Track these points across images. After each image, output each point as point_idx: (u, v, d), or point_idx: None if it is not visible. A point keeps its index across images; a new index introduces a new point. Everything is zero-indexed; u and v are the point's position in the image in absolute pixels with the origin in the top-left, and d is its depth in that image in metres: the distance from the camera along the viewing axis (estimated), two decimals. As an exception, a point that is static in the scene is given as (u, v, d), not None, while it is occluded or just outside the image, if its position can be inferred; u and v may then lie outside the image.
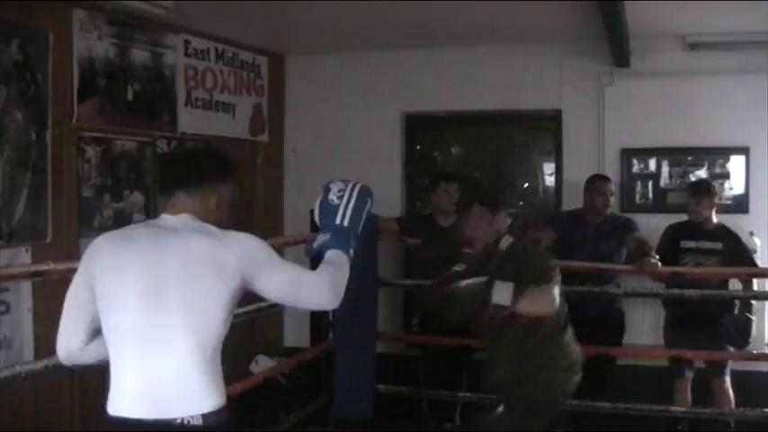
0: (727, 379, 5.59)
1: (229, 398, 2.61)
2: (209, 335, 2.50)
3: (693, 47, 6.32)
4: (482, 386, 4.65)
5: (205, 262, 2.49)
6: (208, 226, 2.61)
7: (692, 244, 5.62)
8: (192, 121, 6.22)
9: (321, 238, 2.74)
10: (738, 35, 6.12)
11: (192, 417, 2.45)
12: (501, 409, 4.02)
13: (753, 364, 5.90)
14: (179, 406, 2.45)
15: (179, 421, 2.43)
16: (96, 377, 5.14)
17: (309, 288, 2.59)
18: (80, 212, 5.30)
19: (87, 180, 5.37)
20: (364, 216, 2.79)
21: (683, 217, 5.73)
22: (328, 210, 2.76)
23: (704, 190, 5.71)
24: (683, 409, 5.57)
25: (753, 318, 5.64)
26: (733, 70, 6.26)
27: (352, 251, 2.76)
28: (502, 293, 3.68)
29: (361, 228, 2.79)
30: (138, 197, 5.76)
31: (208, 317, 2.50)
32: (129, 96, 5.67)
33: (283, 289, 2.59)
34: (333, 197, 2.79)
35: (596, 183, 5.96)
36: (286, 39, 6.78)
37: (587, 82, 6.61)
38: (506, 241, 3.98)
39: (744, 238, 5.72)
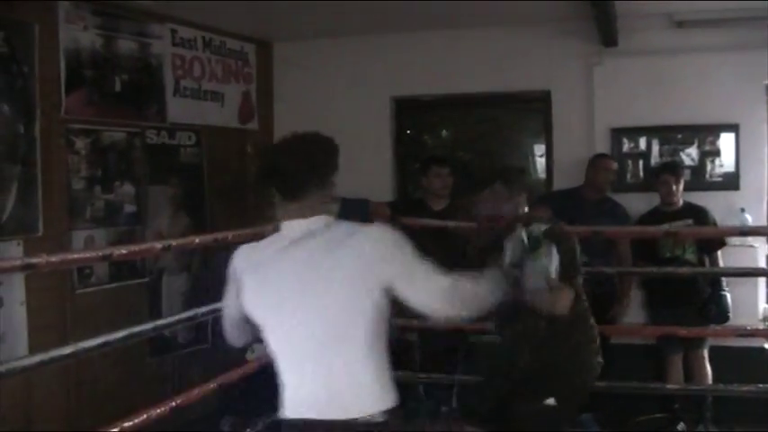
0: (706, 354, 5.68)
1: (224, 386, 2.64)
2: (372, 332, 2.53)
3: (680, 24, 6.31)
4: (479, 369, 4.69)
5: (356, 263, 2.51)
6: (346, 224, 2.63)
7: (665, 228, 5.69)
8: (180, 111, 6.20)
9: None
10: (725, 12, 6.11)
11: (372, 415, 2.52)
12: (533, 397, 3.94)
13: (739, 339, 5.94)
14: (358, 406, 2.51)
15: (360, 420, 2.50)
16: (91, 369, 5.18)
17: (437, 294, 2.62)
18: (71, 205, 5.30)
19: (77, 172, 5.36)
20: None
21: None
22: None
23: (678, 171, 5.85)
24: (678, 386, 5.62)
25: (727, 293, 5.73)
26: (721, 47, 6.24)
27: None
28: (538, 279, 3.43)
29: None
30: (128, 188, 5.75)
31: (367, 315, 2.51)
32: (117, 87, 5.66)
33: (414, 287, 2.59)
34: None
35: (601, 159, 6.10)
36: (273, 25, 6.76)
37: (575, 62, 6.60)
38: (537, 229, 3.65)
39: (710, 212, 5.91)
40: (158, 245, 4.40)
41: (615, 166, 6.18)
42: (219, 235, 4.67)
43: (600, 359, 3.94)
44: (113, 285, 5.59)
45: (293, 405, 2.60)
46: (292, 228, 2.63)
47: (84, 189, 5.41)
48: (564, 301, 3.58)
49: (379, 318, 2.54)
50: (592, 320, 3.95)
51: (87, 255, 4.43)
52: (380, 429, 2.52)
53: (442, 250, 5.75)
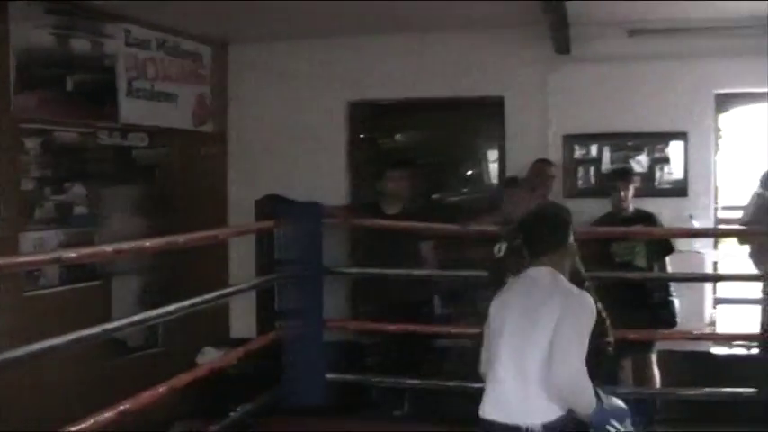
0: (655, 358, 5.77)
1: (175, 389, 2.62)
2: (540, 360, 3.13)
3: (632, 33, 6.40)
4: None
5: (552, 310, 3.17)
6: (564, 282, 3.33)
7: (622, 229, 5.78)
8: (134, 112, 6.14)
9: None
10: (676, 21, 6.21)
11: (535, 425, 3.10)
12: None
13: (686, 344, 6.05)
14: (531, 414, 3.11)
15: (525, 428, 3.10)
16: (41, 373, 5.10)
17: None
18: (20, 206, 5.22)
19: (27, 173, 5.29)
20: None
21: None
22: None
23: (629, 178, 5.94)
24: (629, 389, 5.68)
25: (675, 299, 5.83)
26: (671, 56, 6.34)
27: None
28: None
29: None
30: (80, 189, 5.69)
31: (544, 349, 3.13)
32: (69, 87, 5.59)
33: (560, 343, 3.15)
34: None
35: (537, 164, 6.21)
36: (229, 27, 6.73)
37: (530, 69, 6.66)
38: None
39: (658, 218, 5.97)
40: (109, 248, 4.37)
41: (553, 171, 6.24)
42: (171, 238, 4.66)
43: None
44: (64, 288, 5.52)
45: (484, 405, 3.24)
46: (531, 272, 3.37)
47: (35, 190, 5.34)
48: None
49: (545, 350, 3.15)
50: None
51: (37, 258, 4.38)
52: None
53: (395, 252, 5.83)
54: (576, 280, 3.97)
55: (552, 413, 3.13)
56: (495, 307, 3.39)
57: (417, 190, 6.56)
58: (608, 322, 4.12)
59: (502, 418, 3.17)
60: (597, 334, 3.77)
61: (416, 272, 5.66)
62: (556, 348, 3.11)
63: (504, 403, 3.19)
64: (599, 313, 4.10)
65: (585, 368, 3.13)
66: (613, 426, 3.17)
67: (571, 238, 3.48)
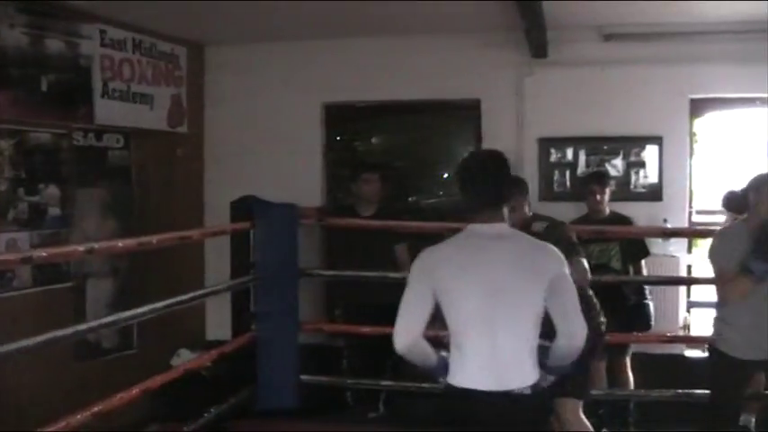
0: (629, 361, 5.79)
1: (149, 391, 2.59)
2: (531, 317, 3.06)
3: (609, 38, 6.43)
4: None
5: (532, 263, 3.08)
6: (525, 236, 3.23)
7: (597, 228, 5.81)
8: (109, 113, 6.10)
9: None
10: (652, 26, 6.26)
11: (524, 388, 3.03)
12: None
13: (660, 346, 6.09)
14: (518, 378, 3.03)
15: (516, 392, 3.01)
16: (14, 375, 5.06)
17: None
18: (-7, 207, 5.19)
19: (0, 173, 5.25)
20: None
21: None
22: None
23: (605, 181, 5.97)
24: (603, 391, 5.71)
25: (650, 302, 5.87)
26: (647, 61, 6.38)
27: None
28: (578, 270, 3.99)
29: None
30: (53, 190, 5.65)
31: (530, 302, 3.05)
32: (44, 87, 5.54)
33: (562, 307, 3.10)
34: None
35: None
36: (205, 29, 6.71)
37: (506, 72, 6.68)
38: (540, 224, 4.38)
39: (634, 221, 6.03)
40: (80, 248, 4.34)
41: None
42: (144, 239, 4.63)
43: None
44: (37, 289, 5.48)
45: (459, 374, 3.10)
46: (488, 228, 3.13)
47: (8, 191, 5.30)
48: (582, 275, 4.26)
49: (539, 312, 3.07)
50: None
51: (7, 257, 4.34)
52: (530, 401, 3.04)
53: (370, 254, 5.84)
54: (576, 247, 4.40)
55: (535, 374, 3.08)
56: (448, 269, 3.11)
57: (391, 192, 6.57)
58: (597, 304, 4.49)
59: (487, 386, 3.04)
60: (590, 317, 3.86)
61: (392, 274, 5.66)
62: (568, 308, 3.07)
63: (489, 369, 3.05)
64: (588, 292, 4.29)
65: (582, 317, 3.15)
66: None
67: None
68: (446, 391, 3.16)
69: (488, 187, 3.15)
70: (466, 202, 3.20)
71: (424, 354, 3.17)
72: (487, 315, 3.04)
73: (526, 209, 4.44)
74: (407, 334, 3.12)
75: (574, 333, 3.07)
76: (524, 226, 4.13)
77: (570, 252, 4.06)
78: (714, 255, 4.23)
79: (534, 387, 3.05)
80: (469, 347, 3.09)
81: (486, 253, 3.09)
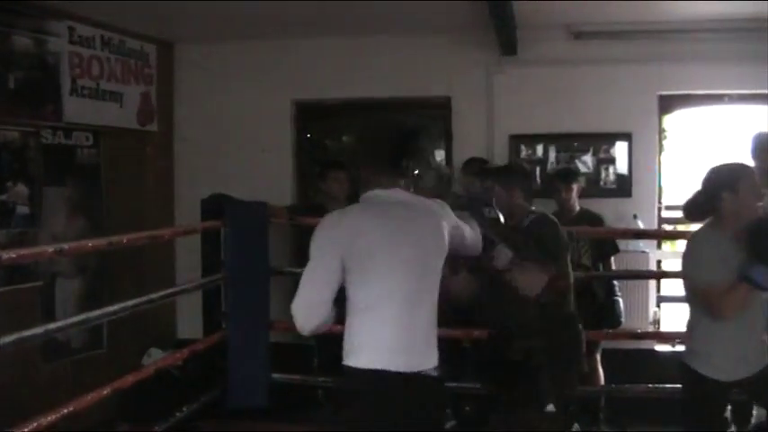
0: (599, 357, 5.83)
1: (119, 390, 2.57)
2: (435, 292, 2.97)
3: (578, 36, 6.47)
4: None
5: (434, 232, 2.96)
6: (418, 197, 3.04)
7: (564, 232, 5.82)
8: (78, 110, 6.05)
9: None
10: (622, 24, 6.30)
11: (430, 369, 2.90)
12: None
13: (630, 342, 6.14)
14: (427, 359, 2.90)
15: (423, 373, 2.87)
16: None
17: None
18: (-40, 205, 5.13)
19: (-33, 172, 5.20)
20: None
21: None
22: None
23: (573, 177, 5.99)
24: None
25: (620, 299, 5.91)
26: (616, 59, 6.43)
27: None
28: (500, 256, 3.67)
29: None
30: (21, 188, 5.59)
31: (436, 279, 2.96)
32: (11, 84, 5.49)
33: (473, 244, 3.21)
34: None
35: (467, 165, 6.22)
36: (175, 27, 6.67)
37: (476, 70, 6.70)
38: (528, 218, 4.21)
39: (604, 218, 6.03)
40: (50, 248, 4.30)
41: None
42: (114, 238, 4.60)
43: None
44: (4, 289, 5.43)
45: (365, 354, 2.87)
46: (389, 195, 2.98)
47: (-25, 189, 5.25)
48: (531, 281, 3.77)
49: (438, 280, 2.98)
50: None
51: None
52: (437, 384, 2.95)
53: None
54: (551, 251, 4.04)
55: (436, 355, 2.95)
56: (365, 240, 2.89)
57: (359, 190, 6.56)
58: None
59: (400, 367, 2.83)
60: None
61: None
62: (465, 240, 3.16)
63: (403, 349, 2.85)
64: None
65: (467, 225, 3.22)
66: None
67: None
68: (347, 373, 2.91)
69: (385, 153, 3.05)
70: (365, 168, 3.10)
71: (328, 321, 2.96)
72: (407, 291, 2.87)
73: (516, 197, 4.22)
74: (314, 313, 2.91)
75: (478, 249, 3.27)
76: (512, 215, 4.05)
77: (549, 255, 3.97)
78: (694, 267, 3.71)
79: (437, 369, 2.93)
80: (383, 325, 2.87)
81: (408, 224, 2.93)
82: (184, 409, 5.28)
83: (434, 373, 2.90)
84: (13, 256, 3.91)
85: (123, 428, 5.62)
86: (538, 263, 3.79)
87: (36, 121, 5.74)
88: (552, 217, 4.43)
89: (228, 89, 7.04)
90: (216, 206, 5.74)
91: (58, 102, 5.89)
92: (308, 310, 2.89)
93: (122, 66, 6.56)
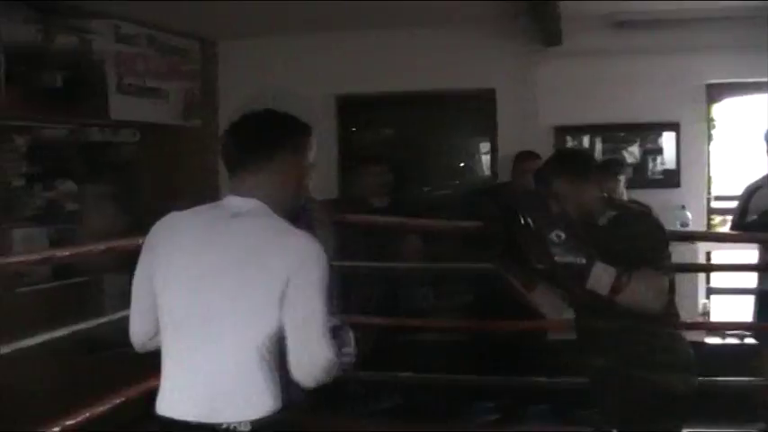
0: None
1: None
2: (262, 334, 2.26)
3: (622, 25, 6.39)
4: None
5: (264, 256, 2.27)
6: (276, 218, 2.38)
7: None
8: (123, 108, 6.11)
9: None
10: (666, 13, 6.20)
11: (239, 423, 2.26)
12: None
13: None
14: (229, 410, 2.26)
15: (224, 427, 2.25)
16: (31, 368, 5.06)
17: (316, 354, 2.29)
18: (9, 202, 5.20)
19: (16, 169, 5.27)
20: None
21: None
22: None
23: (619, 169, 5.92)
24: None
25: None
26: (663, 48, 6.33)
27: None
28: (600, 279, 3.05)
29: None
30: (69, 185, 5.67)
31: (259, 312, 2.25)
32: (58, 83, 5.55)
33: (300, 326, 2.27)
34: None
35: (518, 161, 6.04)
36: (217, 23, 6.70)
37: (520, 61, 6.64)
38: (606, 215, 3.33)
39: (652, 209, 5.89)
40: (101, 246, 4.33)
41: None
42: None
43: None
44: (54, 284, 5.50)
45: (163, 398, 2.35)
46: (229, 204, 2.43)
47: (24, 187, 5.33)
48: (646, 301, 3.10)
49: (266, 314, 2.26)
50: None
51: (29, 257, 4.33)
52: None
53: (379, 245, 5.82)
54: (654, 254, 3.16)
55: (265, 406, 2.29)
56: (164, 249, 2.38)
57: (405, 183, 6.58)
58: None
59: (195, 416, 2.26)
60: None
61: (403, 265, 5.63)
62: (299, 330, 2.26)
63: (195, 394, 2.28)
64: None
65: (331, 341, 2.32)
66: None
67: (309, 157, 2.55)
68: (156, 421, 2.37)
69: (236, 148, 2.49)
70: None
71: None
72: (200, 320, 2.28)
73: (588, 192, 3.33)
74: (137, 335, 2.48)
75: (309, 362, 2.29)
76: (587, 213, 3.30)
77: (650, 262, 3.13)
78: None
79: (259, 422, 2.27)
80: (176, 363, 2.33)
81: (214, 235, 2.34)
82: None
83: (247, 428, 2.26)
84: (66, 254, 3.96)
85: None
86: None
87: (83, 118, 5.81)
88: (645, 209, 3.86)
89: (271, 84, 7.05)
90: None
91: (105, 99, 5.96)
92: (132, 330, 2.50)
93: (166, 63, 6.62)
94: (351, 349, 2.48)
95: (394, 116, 7.47)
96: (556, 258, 3.06)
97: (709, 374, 5.26)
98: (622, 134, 6.59)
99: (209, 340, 2.26)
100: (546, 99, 6.60)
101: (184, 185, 6.86)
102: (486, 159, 7.12)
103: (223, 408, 2.25)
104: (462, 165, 7.38)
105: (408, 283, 6.15)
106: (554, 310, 3.45)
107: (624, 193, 5.92)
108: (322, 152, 7.26)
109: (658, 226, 3.37)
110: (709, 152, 6.59)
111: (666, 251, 3.25)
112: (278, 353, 2.30)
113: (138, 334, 2.47)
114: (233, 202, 2.41)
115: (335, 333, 2.40)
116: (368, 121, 7.48)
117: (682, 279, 6.04)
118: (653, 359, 3.28)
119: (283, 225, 2.36)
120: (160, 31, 6.52)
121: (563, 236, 3.07)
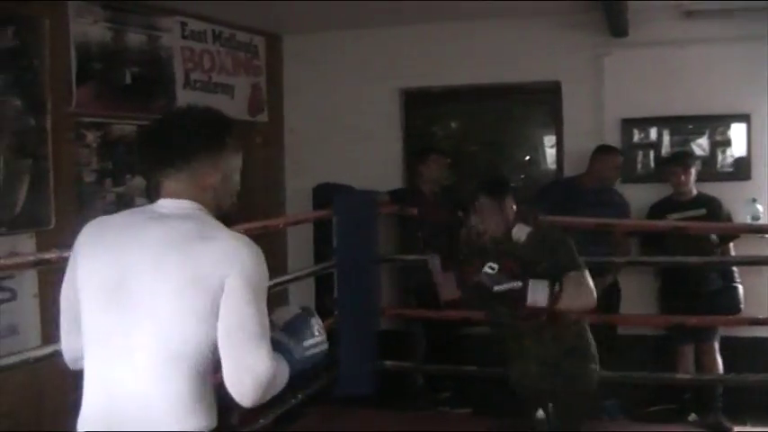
0: (717, 346, 5.67)
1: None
2: (186, 346, 2.05)
3: (690, 15, 6.29)
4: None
5: (182, 258, 2.08)
6: (207, 219, 2.23)
7: (677, 216, 5.70)
8: (191, 103, 6.18)
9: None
10: (735, 3, 6.08)
11: None
12: (541, 413, 3.93)
13: (750, 330, 5.93)
14: (153, 429, 2.04)
15: None
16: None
17: (254, 364, 2.04)
18: (82, 198, 5.31)
19: (88, 165, 5.37)
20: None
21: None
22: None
23: (689, 161, 5.84)
24: (689, 376, 5.62)
25: (739, 285, 5.72)
26: (729, 38, 6.22)
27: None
28: (537, 294, 3.40)
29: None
30: (139, 181, 5.76)
31: (181, 324, 2.05)
32: (127, 80, 5.66)
33: (229, 335, 2.06)
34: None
35: (607, 155, 6.07)
36: (282, 18, 6.76)
37: (585, 53, 6.57)
38: (521, 230, 3.66)
39: (722, 203, 5.89)
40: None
41: (618, 160, 6.12)
42: (236, 228, 4.67)
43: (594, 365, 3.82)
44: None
45: (85, 417, 2.16)
46: (159, 206, 2.27)
47: (96, 182, 5.43)
48: (585, 301, 3.55)
49: (191, 325, 2.06)
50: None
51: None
52: None
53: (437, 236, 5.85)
54: (573, 259, 3.62)
55: (195, 426, 2.07)
56: (82, 253, 2.21)
57: (469, 176, 6.65)
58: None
59: None
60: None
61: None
62: (230, 340, 2.04)
63: (104, 413, 2.10)
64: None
65: (271, 354, 2.08)
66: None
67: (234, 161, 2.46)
68: None
69: (149, 152, 2.33)
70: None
71: None
72: (110, 331, 2.10)
73: (503, 212, 3.73)
74: (67, 352, 2.30)
75: (242, 377, 2.04)
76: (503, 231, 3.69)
77: (571, 266, 3.55)
78: None
79: None
80: (93, 379, 2.14)
81: (132, 240, 2.15)
82: (299, 395, 5.35)
83: None
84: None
85: (235, 413, 5.72)
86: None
87: (151, 114, 5.89)
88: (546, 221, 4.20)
89: (335, 78, 7.10)
90: (326, 195, 5.81)
91: (172, 95, 6.05)
92: (63, 345, 2.35)
93: (233, 59, 6.69)
94: (317, 339, 2.34)
95: (459, 110, 7.46)
96: (495, 289, 3.45)
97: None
98: (690, 126, 6.46)
99: (126, 354, 2.07)
100: (612, 91, 6.52)
101: (251, 182, 6.94)
102: (551, 153, 7.06)
103: (145, 427, 2.03)
104: (528, 158, 7.34)
105: None
106: (450, 292, 3.92)
107: (694, 187, 5.85)
108: (388, 145, 7.40)
109: (563, 232, 3.80)
110: (781, 144, 6.44)
111: (575, 251, 3.64)
112: (206, 369, 2.10)
113: (68, 351, 2.30)
114: (164, 203, 2.25)
115: (292, 327, 2.27)
116: (433, 115, 7.47)
117: (753, 273, 5.99)
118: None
119: (212, 226, 2.20)
120: (226, 27, 6.60)
121: (496, 267, 3.46)
